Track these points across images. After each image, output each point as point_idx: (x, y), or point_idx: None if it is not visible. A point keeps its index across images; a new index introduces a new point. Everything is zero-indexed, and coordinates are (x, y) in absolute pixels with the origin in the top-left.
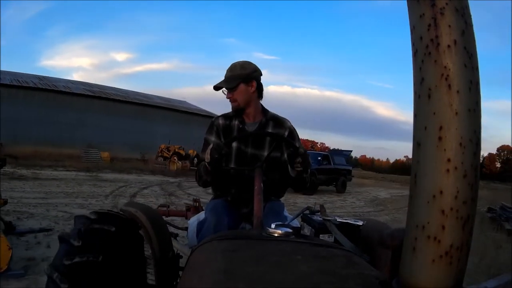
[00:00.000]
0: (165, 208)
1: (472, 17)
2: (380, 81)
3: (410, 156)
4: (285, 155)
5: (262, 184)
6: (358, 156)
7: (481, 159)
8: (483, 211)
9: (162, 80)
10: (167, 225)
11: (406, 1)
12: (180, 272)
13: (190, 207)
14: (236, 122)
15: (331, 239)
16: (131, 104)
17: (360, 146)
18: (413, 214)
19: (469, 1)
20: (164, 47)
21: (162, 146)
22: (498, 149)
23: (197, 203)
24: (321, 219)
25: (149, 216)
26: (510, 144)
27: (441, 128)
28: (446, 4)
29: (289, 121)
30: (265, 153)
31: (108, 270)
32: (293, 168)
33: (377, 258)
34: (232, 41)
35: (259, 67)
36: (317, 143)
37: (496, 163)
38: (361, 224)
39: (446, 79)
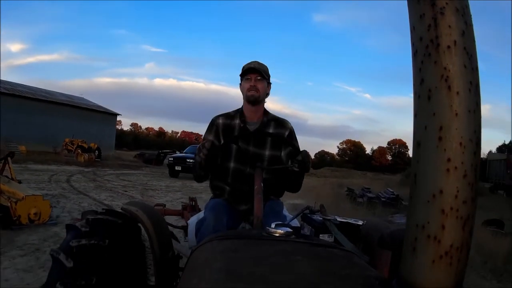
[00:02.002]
0: (161, 207)
1: (472, 17)
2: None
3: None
4: (282, 154)
5: (262, 184)
6: None
7: (371, 152)
8: (343, 191)
9: (53, 71)
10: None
11: (406, 1)
12: (180, 273)
13: (187, 206)
14: (237, 121)
15: (331, 239)
16: (38, 101)
17: None
18: (413, 214)
19: (469, 1)
20: (55, 37)
21: (67, 140)
22: (389, 143)
23: (194, 202)
24: (321, 218)
25: (150, 216)
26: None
27: (441, 128)
28: (446, 4)
29: (289, 122)
30: (266, 152)
31: (111, 255)
32: (292, 165)
33: (377, 258)
34: (122, 32)
35: (146, 59)
36: (202, 135)
37: (387, 156)
38: (361, 223)
39: (446, 80)
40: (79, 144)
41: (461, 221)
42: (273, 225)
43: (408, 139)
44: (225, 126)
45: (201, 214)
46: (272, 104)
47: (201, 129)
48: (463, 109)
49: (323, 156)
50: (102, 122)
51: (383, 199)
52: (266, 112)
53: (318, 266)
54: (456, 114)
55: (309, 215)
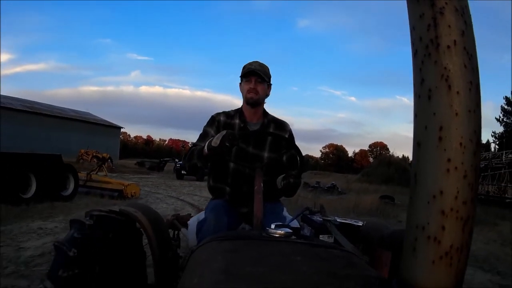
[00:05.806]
0: None
1: (472, 17)
2: None
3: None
4: (284, 157)
5: (262, 184)
6: None
7: (352, 155)
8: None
9: (39, 81)
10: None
11: (406, 1)
12: (180, 273)
13: None
14: (237, 121)
15: (331, 240)
16: (53, 117)
17: None
18: (413, 215)
19: (469, 1)
20: (42, 47)
21: (82, 150)
22: (370, 146)
23: None
24: (321, 219)
25: (149, 217)
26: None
27: (441, 128)
28: (446, 4)
29: (288, 125)
30: (265, 154)
31: (105, 279)
32: (284, 179)
33: (377, 259)
34: (108, 41)
35: (132, 68)
36: (189, 142)
37: (369, 158)
38: (361, 224)
39: (446, 80)
40: (94, 154)
41: (461, 222)
42: (273, 226)
43: (390, 140)
44: (226, 124)
45: (201, 215)
46: None
47: (187, 136)
48: (463, 109)
49: (307, 160)
50: (107, 135)
51: (325, 188)
52: (265, 113)
53: (318, 266)
54: (456, 114)
55: (309, 216)
